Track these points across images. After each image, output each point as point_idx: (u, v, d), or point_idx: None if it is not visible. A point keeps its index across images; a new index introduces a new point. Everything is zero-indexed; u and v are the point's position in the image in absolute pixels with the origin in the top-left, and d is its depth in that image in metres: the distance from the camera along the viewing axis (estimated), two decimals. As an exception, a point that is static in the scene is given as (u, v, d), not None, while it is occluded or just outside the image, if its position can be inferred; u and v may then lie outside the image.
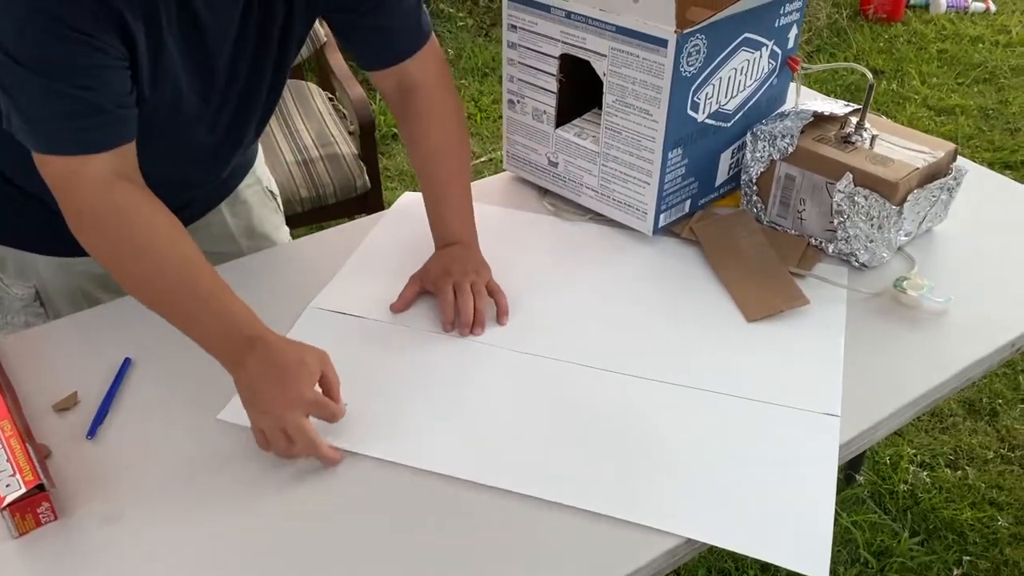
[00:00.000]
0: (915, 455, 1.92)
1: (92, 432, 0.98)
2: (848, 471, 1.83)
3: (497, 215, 1.35)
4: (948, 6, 4.26)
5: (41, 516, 0.88)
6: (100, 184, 0.92)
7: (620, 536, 0.86)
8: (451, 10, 3.92)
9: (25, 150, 0.92)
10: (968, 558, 1.70)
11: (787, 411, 0.99)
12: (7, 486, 0.86)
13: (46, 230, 1.07)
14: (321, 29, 2.18)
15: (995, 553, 1.71)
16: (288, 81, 2.06)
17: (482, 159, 2.98)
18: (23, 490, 0.85)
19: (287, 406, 0.89)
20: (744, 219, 1.32)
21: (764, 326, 1.13)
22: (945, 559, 1.69)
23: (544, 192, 1.41)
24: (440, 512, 0.89)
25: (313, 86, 2.16)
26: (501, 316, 1.13)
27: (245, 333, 0.92)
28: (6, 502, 0.85)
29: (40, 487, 0.86)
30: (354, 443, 0.95)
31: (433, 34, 1.20)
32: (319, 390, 0.93)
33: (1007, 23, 4.12)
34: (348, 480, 0.92)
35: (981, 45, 3.93)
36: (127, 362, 1.06)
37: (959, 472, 1.88)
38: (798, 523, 0.86)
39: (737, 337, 1.11)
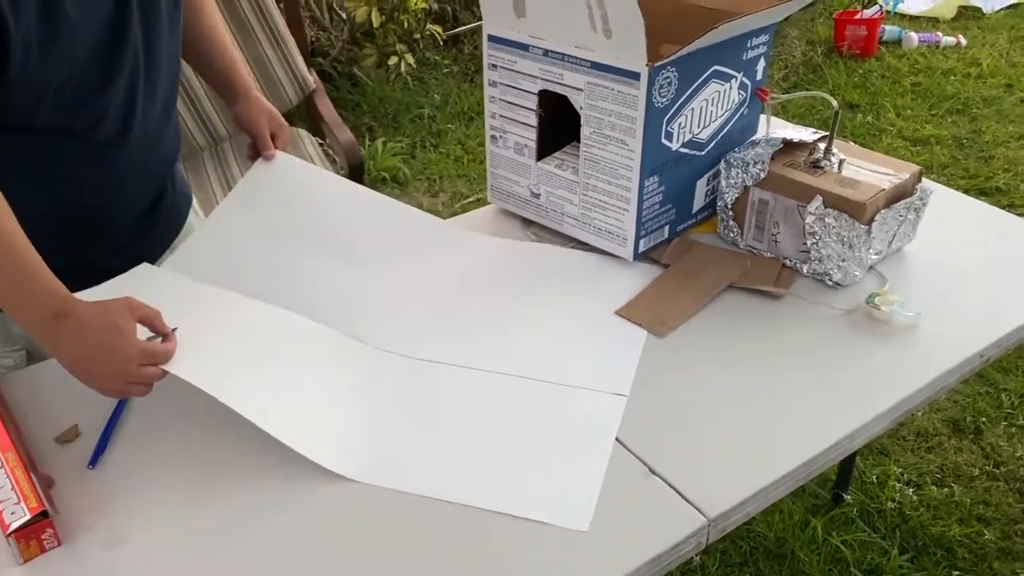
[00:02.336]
0: (902, 474, 1.95)
1: (93, 462, 1.01)
2: (836, 491, 1.86)
3: (484, 242, 1.40)
4: (920, 41, 4.39)
5: (45, 542, 0.90)
6: None
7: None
8: (437, 58, 4.02)
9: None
10: (957, 573, 1.73)
11: (584, 392, 1.09)
12: (12, 513, 0.89)
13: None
14: (310, 76, 2.24)
15: (984, 568, 1.73)
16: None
17: (470, 199, 3.04)
18: (28, 516, 0.88)
19: (121, 368, 0.94)
20: (722, 251, 1.37)
21: (584, 322, 1.22)
22: (935, 574, 1.72)
23: (528, 223, 1.46)
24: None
25: (303, 132, 2.22)
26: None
27: (55, 308, 0.95)
28: (11, 528, 0.87)
29: (44, 514, 0.89)
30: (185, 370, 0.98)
31: None
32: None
33: (977, 55, 4.25)
34: (346, 500, 0.95)
35: (953, 77, 4.05)
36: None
37: (946, 489, 1.91)
38: (571, 487, 0.96)
39: (558, 328, 1.21)
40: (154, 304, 0.99)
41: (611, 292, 1.27)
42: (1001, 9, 4.83)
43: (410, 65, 3.58)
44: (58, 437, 1.04)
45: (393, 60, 3.49)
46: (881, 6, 4.50)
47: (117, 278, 1.13)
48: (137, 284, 1.10)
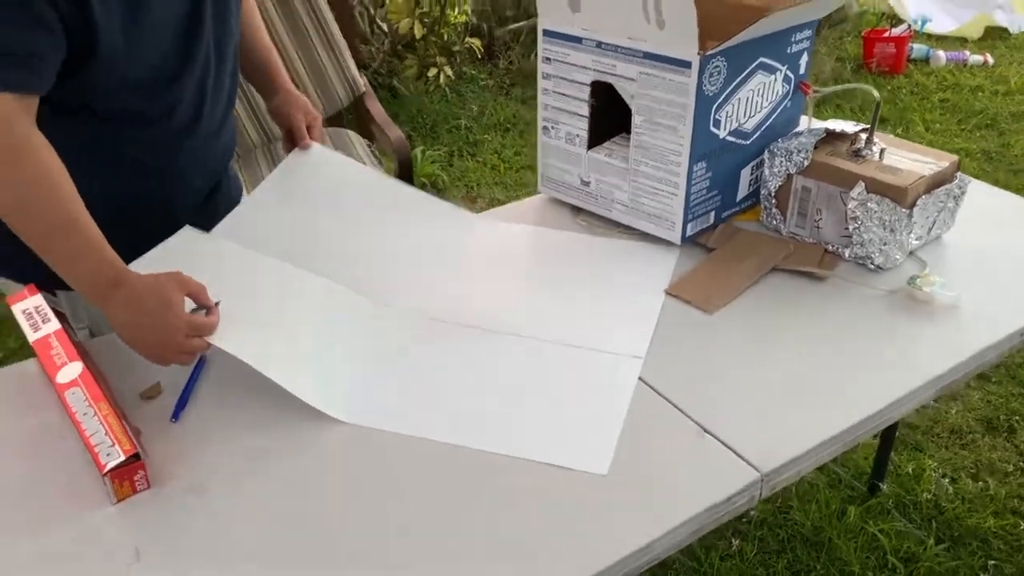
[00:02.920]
0: (937, 467, 1.98)
1: (176, 415, 1.07)
2: (872, 481, 1.89)
3: (537, 234, 1.47)
4: (948, 59, 4.43)
5: (137, 483, 0.96)
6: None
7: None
8: (474, 72, 4.11)
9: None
10: (993, 563, 1.75)
11: (606, 354, 1.17)
12: (107, 455, 0.95)
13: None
14: (359, 78, 2.33)
15: (1020, 559, 1.75)
16: (328, 129, 2.21)
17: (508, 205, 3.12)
18: (122, 458, 0.94)
19: (170, 338, 1.02)
20: (766, 236, 1.42)
21: (604, 289, 1.30)
22: (971, 564, 1.74)
23: (577, 211, 1.51)
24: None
25: (352, 133, 2.30)
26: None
27: (110, 276, 1.04)
28: (107, 468, 0.94)
29: (136, 456, 0.95)
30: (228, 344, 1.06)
31: None
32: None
33: (1006, 73, 4.28)
34: (385, 450, 1.01)
35: (981, 94, 4.08)
36: (203, 357, 1.16)
37: (980, 483, 1.94)
38: (593, 436, 1.03)
39: (584, 300, 1.28)
40: (198, 266, 1.08)
41: (658, 274, 1.33)
42: (1029, 29, 4.87)
43: (448, 77, 3.68)
44: (142, 393, 1.11)
45: (432, 72, 3.58)
46: (909, 25, 4.56)
47: (164, 243, 1.21)
48: (184, 248, 1.20)
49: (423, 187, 3.22)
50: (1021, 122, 3.80)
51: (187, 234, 1.25)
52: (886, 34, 4.37)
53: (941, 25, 4.88)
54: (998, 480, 1.95)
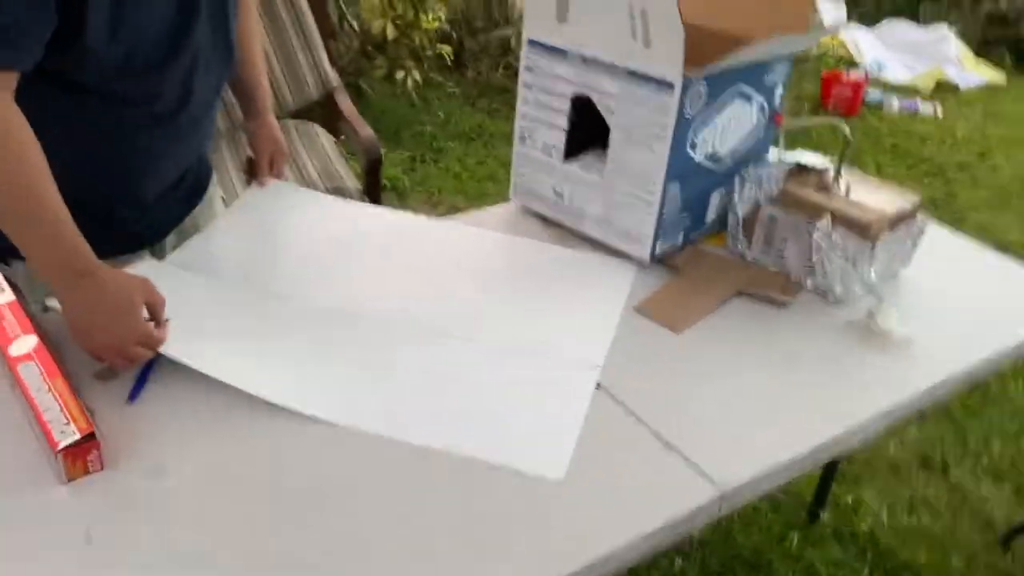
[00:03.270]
0: (874, 499, 2.03)
1: (133, 396, 1.04)
2: (813, 508, 1.93)
3: (501, 242, 1.47)
4: (901, 107, 4.58)
5: (90, 464, 0.93)
6: None
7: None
8: (441, 79, 4.11)
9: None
10: (924, 596, 1.80)
11: (564, 360, 1.18)
12: (61, 432, 0.92)
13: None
14: (331, 72, 2.31)
15: (949, 592, 1.81)
16: (294, 122, 2.19)
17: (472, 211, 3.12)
18: (77, 436, 0.91)
19: (121, 340, 1.02)
20: (732, 260, 1.45)
21: (564, 298, 1.32)
22: (903, 596, 1.79)
23: (547, 223, 1.52)
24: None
25: (319, 127, 2.28)
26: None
27: (78, 266, 1.02)
28: (60, 446, 0.91)
29: (91, 435, 0.92)
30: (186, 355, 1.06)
31: None
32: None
33: (953, 125, 4.45)
34: (342, 443, 1.00)
35: (930, 142, 4.23)
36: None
37: (915, 518, 1.99)
38: (549, 440, 1.04)
39: (544, 308, 1.29)
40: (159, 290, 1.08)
41: (618, 288, 1.34)
42: (975, 87, 5.06)
43: (416, 82, 3.67)
44: (97, 373, 1.08)
45: (400, 75, 3.57)
46: (866, 71, 4.71)
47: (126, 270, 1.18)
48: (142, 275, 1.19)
49: (384, 189, 3.21)
50: (966, 172, 3.95)
51: (146, 263, 1.26)
52: (844, 77, 4.50)
53: (895, 74, 5.05)
54: (931, 515, 2.01)
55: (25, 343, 1.05)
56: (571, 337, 1.22)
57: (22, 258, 1.06)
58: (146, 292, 1.05)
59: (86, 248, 1.04)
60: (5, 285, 1.14)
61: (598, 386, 1.13)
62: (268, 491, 0.94)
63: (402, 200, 3.21)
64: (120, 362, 1.04)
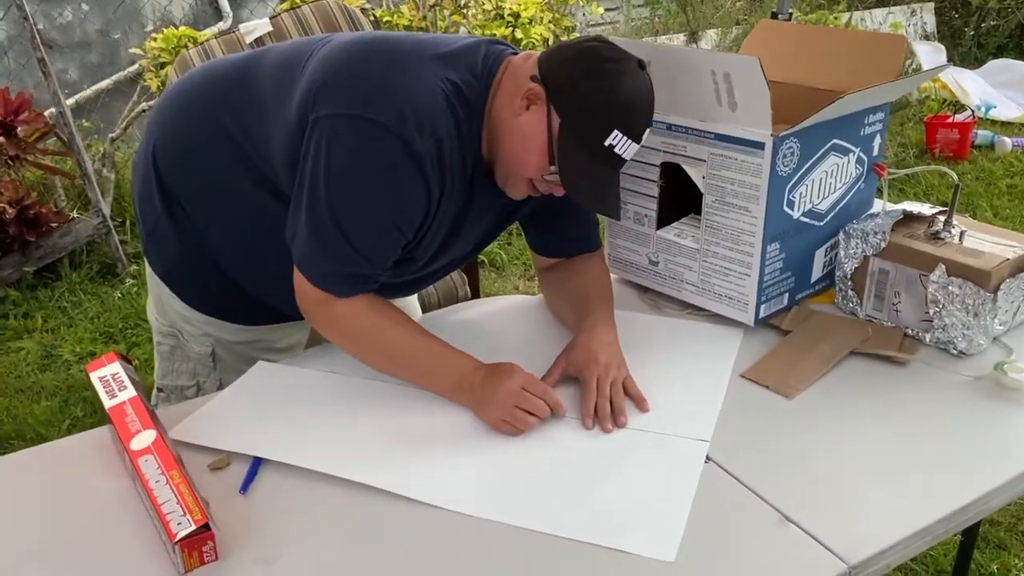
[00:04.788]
0: (1022, 568, 1.86)
1: (245, 488, 1.06)
2: (955, 580, 1.79)
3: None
4: (1014, 146, 4.37)
5: (205, 555, 0.95)
6: (348, 308, 1.19)
7: None
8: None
9: (246, 251, 1.24)
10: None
11: (671, 437, 1.14)
12: (178, 524, 0.94)
13: (238, 304, 1.35)
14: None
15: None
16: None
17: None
18: (193, 527, 0.94)
19: (507, 388, 1.13)
20: (843, 319, 1.39)
21: (667, 370, 1.28)
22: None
23: (645, 291, 1.50)
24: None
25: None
26: (640, 404, 1.20)
27: (469, 372, 1.18)
28: (178, 537, 0.93)
29: (206, 526, 0.94)
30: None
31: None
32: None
33: (1075, 160, 4.20)
34: (458, 530, 0.99)
35: (1050, 180, 4.00)
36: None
37: (1071, 587, 1.82)
38: (660, 521, 1.00)
39: (648, 381, 1.23)
40: (283, 396, 1.23)
41: (724, 355, 1.30)
42: (1095, 116, 4.79)
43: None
44: (211, 464, 1.11)
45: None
46: (972, 111, 4.52)
47: (241, 379, 1.29)
48: (262, 381, 1.28)
49: (480, 265, 3.25)
50: (1092, 209, 3.71)
51: (263, 366, 1.31)
52: (949, 120, 4.34)
53: (1005, 112, 4.83)
54: (1092, 584, 1.83)
55: (145, 438, 1.09)
56: (678, 411, 1.18)
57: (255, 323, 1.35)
58: (519, 377, 1.16)
59: (466, 357, 1.19)
60: (128, 383, 1.19)
61: (708, 459, 1.09)
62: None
63: (500, 274, 3.23)
64: (520, 416, 1.13)
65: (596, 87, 1.12)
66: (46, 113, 3.20)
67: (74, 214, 3.15)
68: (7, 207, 2.85)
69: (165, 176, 1.30)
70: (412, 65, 1.15)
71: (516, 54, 1.21)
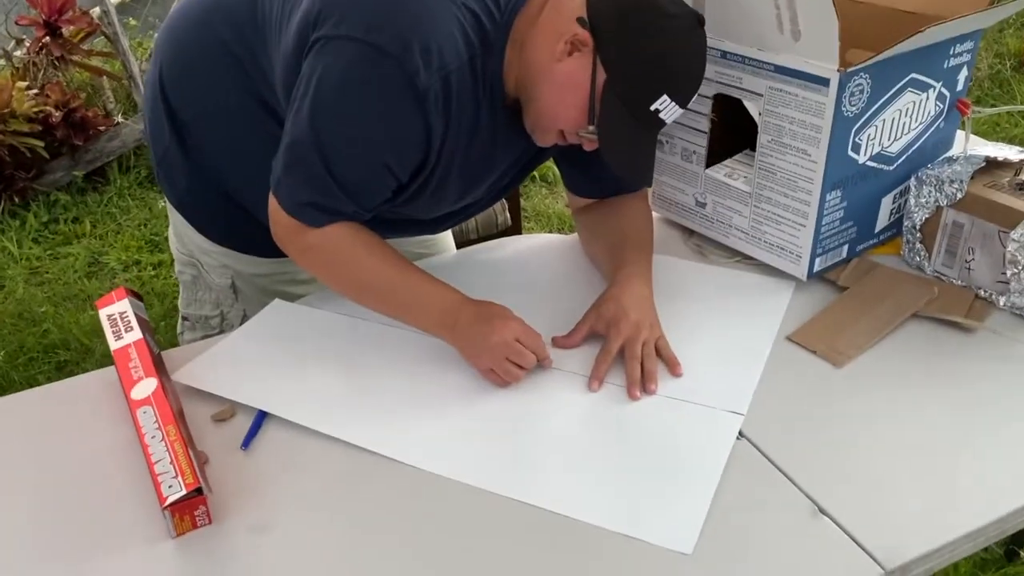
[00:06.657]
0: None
1: (246, 443, 1.02)
2: (1010, 546, 1.69)
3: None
4: (1125, 58, 3.97)
5: (197, 519, 0.91)
6: (321, 236, 1.10)
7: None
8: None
9: (258, 182, 1.12)
10: None
11: (701, 408, 1.05)
12: (169, 487, 0.90)
13: (253, 236, 1.23)
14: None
15: None
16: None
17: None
18: (183, 492, 0.89)
19: (500, 337, 1.05)
20: (907, 275, 1.26)
21: (706, 328, 1.17)
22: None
23: (690, 233, 1.39)
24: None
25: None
26: (674, 368, 1.10)
27: (453, 308, 1.09)
28: (168, 502, 0.89)
29: (199, 490, 0.90)
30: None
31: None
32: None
33: None
34: (468, 505, 0.93)
35: None
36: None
37: None
38: (679, 507, 0.92)
39: (683, 340, 1.13)
40: (297, 333, 1.18)
41: (771, 313, 1.19)
42: None
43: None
44: (215, 415, 1.06)
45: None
46: (1083, 18, 4.11)
47: (257, 316, 1.24)
48: (278, 319, 1.23)
49: (532, 181, 3.13)
50: None
51: (278, 305, 1.25)
52: (1054, 28, 3.96)
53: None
54: None
55: (145, 387, 1.05)
56: (713, 377, 1.08)
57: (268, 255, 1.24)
58: (512, 325, 1.08)
59: (450, 291, 1.11)
60: (135, 323, 1.14)
61: (740, 435, 1.00)
62: (376, 546, 0.89)
63: (552, 190, 3.11)
64: (510, 367, 1.06)
65: (652, 47, 1.00)
66: (91, 12, 3.13)
67: (119, 118, 3.11)
68: (53, 110, 2.82)
69: (172, 99, 1.22)
70: None
71: None
